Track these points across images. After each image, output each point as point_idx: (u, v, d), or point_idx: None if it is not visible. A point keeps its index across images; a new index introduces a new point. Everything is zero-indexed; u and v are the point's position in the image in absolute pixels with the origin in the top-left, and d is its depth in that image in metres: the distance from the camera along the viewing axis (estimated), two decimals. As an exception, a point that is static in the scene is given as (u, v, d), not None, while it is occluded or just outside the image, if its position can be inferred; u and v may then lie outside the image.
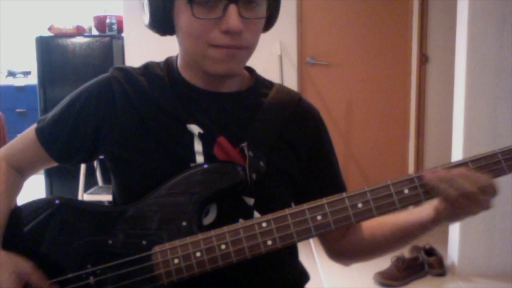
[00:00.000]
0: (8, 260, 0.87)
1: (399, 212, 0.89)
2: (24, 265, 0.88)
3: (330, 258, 1.08)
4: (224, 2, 0.84)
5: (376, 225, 0.98)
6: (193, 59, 0.92)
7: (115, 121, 0.95)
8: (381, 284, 2.59)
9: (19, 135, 1.04)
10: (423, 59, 3.61)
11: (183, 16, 0.88)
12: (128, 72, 0.98)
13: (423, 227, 0.91)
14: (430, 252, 2.74)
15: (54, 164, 1.03)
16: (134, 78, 0.97)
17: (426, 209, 0.90)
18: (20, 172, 1.03)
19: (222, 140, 0.92)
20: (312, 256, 2.81)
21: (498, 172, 0.83)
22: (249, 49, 0.90)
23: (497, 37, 2.51)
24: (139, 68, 1.00)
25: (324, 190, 0.92)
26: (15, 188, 1.01)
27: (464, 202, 0.82)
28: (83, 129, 0.97)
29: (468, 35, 2.52)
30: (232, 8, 0.84)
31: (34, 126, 1.02)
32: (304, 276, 1.06)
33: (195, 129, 0.93)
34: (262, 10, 0.89)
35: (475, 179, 0.82)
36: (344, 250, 1.04)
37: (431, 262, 2.69)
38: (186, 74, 0.97)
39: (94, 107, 0.96)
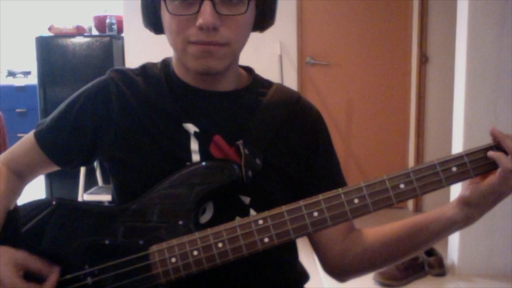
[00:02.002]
0: (3, 252, 0.87)
1: (395, 207, 0.88)
2: (18, 253, 0.88)
3: (327, 270, 1.02)
4: None
5: (385, 226, 0.95)
6: (177, 56, 0.93)
7: (112, 122, 0.95)
8: (381, 284, 2.58)
9: (19, 140, 1.05)
10: (423, 59, 3.61)
11: (163, 14, 0.90)
12: (124, 73, 0.98)
13: (446, 222, 0.87)
14: (430, 252, 2.73)
15: (54, 168, 1.04)
16: (131, 78, 0.97)
17: (449, 205, 0.88)
18: (20, 176, 1.03)
19: (218, 138, 0.92)
20: (312, 256, 2.79)
21: (493, 166, 0.83)
22: (229, 46, 0.88)
23: (497, 37, 2.51)
24: (136, 69, 1.00)
25: (323, 189, 0.91)
26: (15, 192, 1.02)
27: None
28: (82, 131, 0.97)
29: (468, 35, 2.51)
30: (206, 4, 0.84)
31: (34, 130, 1.02)
32: (303, 276, 1.06)
33: (191, 128, 0.93)
34: (242, 6, 0.88)
35: None
36: (343, 257, 0.98)
37: (431, 262, 2.69)
38: (180, 73, 0.98)
39: (91, 110, 0.97)
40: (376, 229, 0.97)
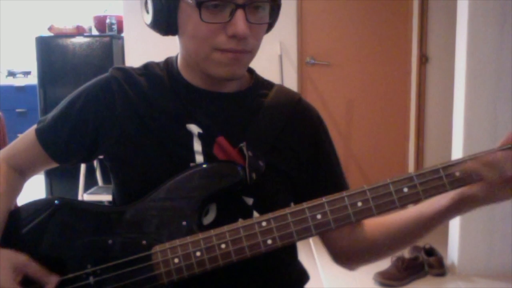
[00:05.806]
0: (3, 256, 0.87)
1: (399, 210, 0.89)
2: (19, 258, 0.88)
3: (335, 261, 1.04)
4: (232, 6, 0.84)
5: (388, 219, 0.96)
6: (196, 61, 0.92)
7: (115, 121, 0.95)
8: (381, 284, 2.59)
9: (19, 136, 1.04)
10: (423, 59, 3.61)
11: (188, 19, 0.88)
12: (127, 72, 0.98)
13: (442, 213, 0.88)
14: (430, 252, 2.74)
15: (54, 165, 1.03)
16: (134, 78, 0.97)
17: (444, 197, 0.88)
18: (20, 173, 1.03)
19: (221, 140, 0.93)
20: (312, 256, 2.81)
21: None
22: (252, 52, 0.91)
23: (497, 37, 2.51)
24: (138, 68, 1.00)
25: (325, 190, 0.91)
26: (15, 189, 1.02)
27: (502, 186, 0.81)
28: (83, 129, 0.97)
29: (468, 35, 2.52)
30: (240, 13, 0.84)
31: (34, 127, 1.02)
32: (304, 276, 1.06)
33: (194, 129, 0.93)
34: (266, 15, 0.90)
35: None
36: (350, 249, 1.01)
37: (431, 262, 2.69)
38: (186, 75, 0.97)
39: (93, 108, 0.96)
40: (380, 221, 0.98)
